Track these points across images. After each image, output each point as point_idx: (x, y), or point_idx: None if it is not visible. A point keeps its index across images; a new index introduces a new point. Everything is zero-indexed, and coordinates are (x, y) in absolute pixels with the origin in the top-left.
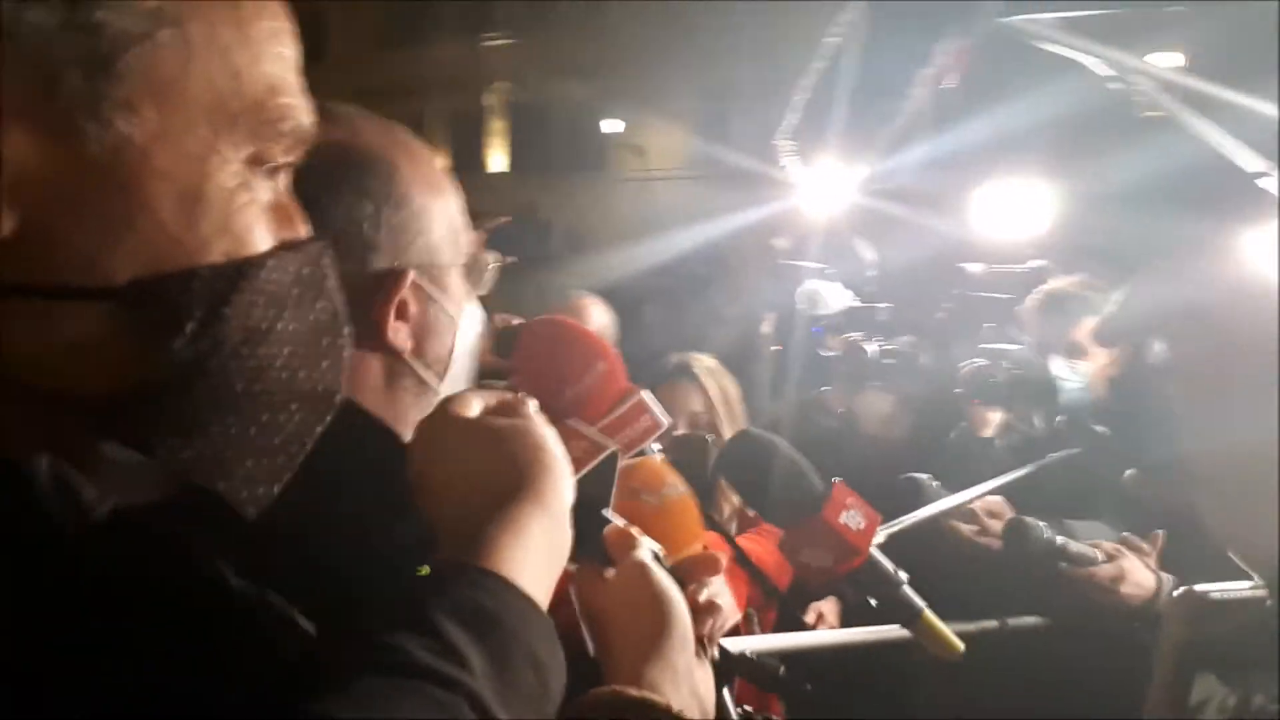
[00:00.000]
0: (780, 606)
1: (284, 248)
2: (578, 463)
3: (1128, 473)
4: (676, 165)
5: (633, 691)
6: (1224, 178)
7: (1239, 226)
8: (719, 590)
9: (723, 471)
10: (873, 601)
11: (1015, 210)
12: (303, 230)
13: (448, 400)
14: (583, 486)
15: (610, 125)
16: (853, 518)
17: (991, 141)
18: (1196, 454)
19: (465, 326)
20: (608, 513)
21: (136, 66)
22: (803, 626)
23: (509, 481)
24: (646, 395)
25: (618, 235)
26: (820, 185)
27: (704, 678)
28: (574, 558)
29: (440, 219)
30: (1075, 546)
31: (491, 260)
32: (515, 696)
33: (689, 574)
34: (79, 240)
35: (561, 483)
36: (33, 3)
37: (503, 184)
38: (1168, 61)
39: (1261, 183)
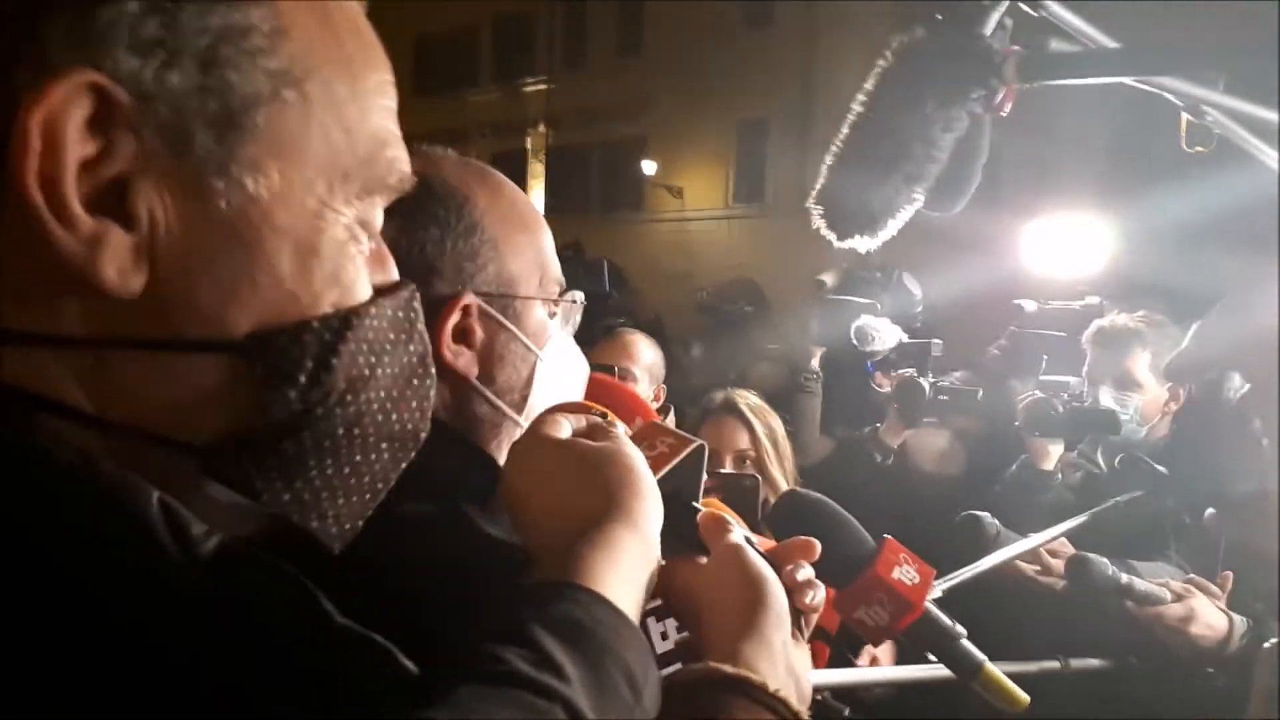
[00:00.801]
0: (833, 648)
1: (381, 293)
2: (665, 457)
3: (1208, 512)
4: (715, 204)
5: (728, 668)
6: None
7: None
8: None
9: (771, 531)
10: (931, 657)
11: (1068, 247)
12: (394, 272)
13: (538, 422)
14: (672, 480)
15: (648, 166)
16: (906, 573)
17: (1042, 177)
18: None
19: (553, 362)
20: (697, 504)
21: (264, 126)
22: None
23: (601, 503)
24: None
25: (658, 274)
26: (880, 232)
27: (801, 657)
28: (669, 549)
29: (521, 253)
30: (1142, 585)
31: (578, 299)
32: (609, 705)
33: (784, 557)
34: (203, 295)
35: (650, 504)
36: (170, 66)
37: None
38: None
39: None
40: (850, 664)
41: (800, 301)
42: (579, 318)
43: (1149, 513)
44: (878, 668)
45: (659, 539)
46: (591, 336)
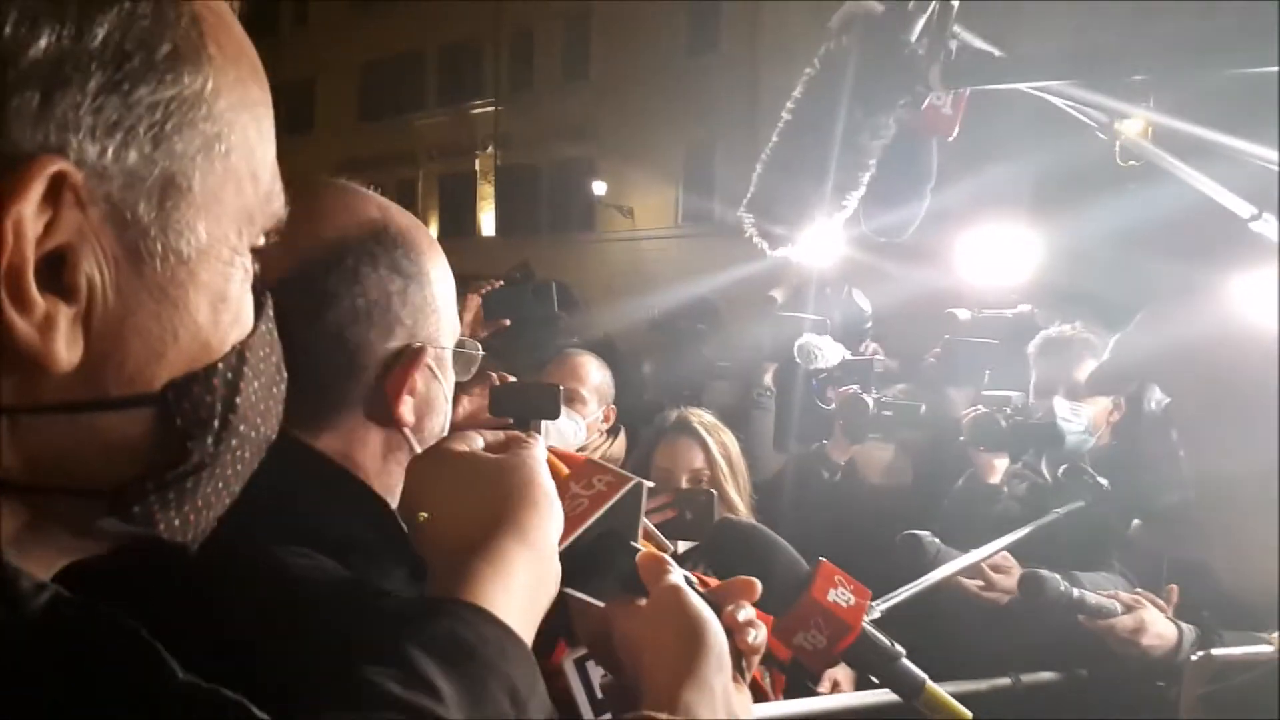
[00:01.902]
0: (790, 677)
1: (256, 315)
2: (602, 496)
3: (1134, 524)
4: (664, 223)
5: (663, 717)
6: (1211, 222)
7: (1230, 270)
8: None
9: (705, 562)
10: (873, 679)
11: (999, 257)
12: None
13: (447, 437)
14: (610, 519)
15: (598, 186)
16: (841, 595)
17: (977, 190)
18: (1199, 500)
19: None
20: (636, 544)
21: (198, 187)
22: (810, 692)
23: (493, 515)
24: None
25: (608, 293)
26: (810, 238)
27: (743, 702)
28: (608, 591)
29: (446, 302)
30: (1093, 598)
31: (478, 352)
32: None
33: (724, 597)
34: (129, 359)
35: (548, 519)
36: (126, 145)
37: (493, 246)
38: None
39: (1256, 226)
40: (811, 692)
41: (751, 318)
42: (476, 364)
43: (1091, 524)
44: (830, 696)
45: (557, 552)
46: (544, 359)
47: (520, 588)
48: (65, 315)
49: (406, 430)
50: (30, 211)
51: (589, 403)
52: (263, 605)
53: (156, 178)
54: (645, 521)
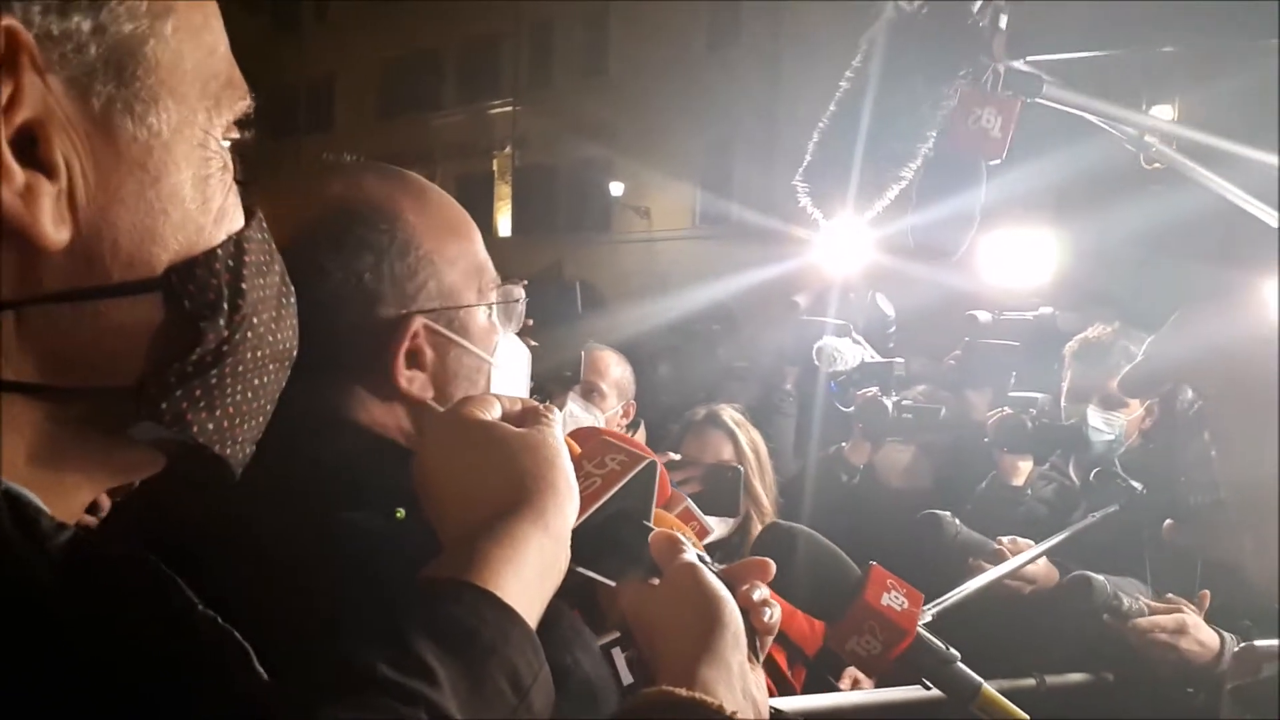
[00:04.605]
0: (811, 670)
1: (248, 219)
2: (615, 475)
3: (1166, 523)
4: (681, 224)
5: (682, 692)
6: (1238, 225)
7: (1260, 273)
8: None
9: None
10: (927, 684)
11: (1022, 258)
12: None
13: (464, 400)
14: (623, 498)
15: (615, 187)
16: (895, 599)
17: (999, 191)
18: (1231, 501)
19: (505, 363)
20: (649, 523)
21: (154, 61)
22: (832, 687)
23: (512, 495)
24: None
25: (625, 295)
26: (832, 240)
27: (758, 680)
28: (621, 571)
29: (456, 262)
30: (1128, 601)
31: (519, 294)
32: (486, 707)
33: (739, 576)
34: (124, 237)
35: (566, 503)
36: (66, 6)
37: (509, 247)
38: (1160, 114)
39: None
40: (831, 686)
41: (768, 320)
42: (523, 310)
43: (1123, 528)
44: (859, 691)
45: (569, 537)
46: (562, 356)
47: (531, 572)
48: (48, 191)
49: (432, 404)
50: None
51: (608, 397)
52: (289, 562)
53: (110, 48)
54: (690, 503)
